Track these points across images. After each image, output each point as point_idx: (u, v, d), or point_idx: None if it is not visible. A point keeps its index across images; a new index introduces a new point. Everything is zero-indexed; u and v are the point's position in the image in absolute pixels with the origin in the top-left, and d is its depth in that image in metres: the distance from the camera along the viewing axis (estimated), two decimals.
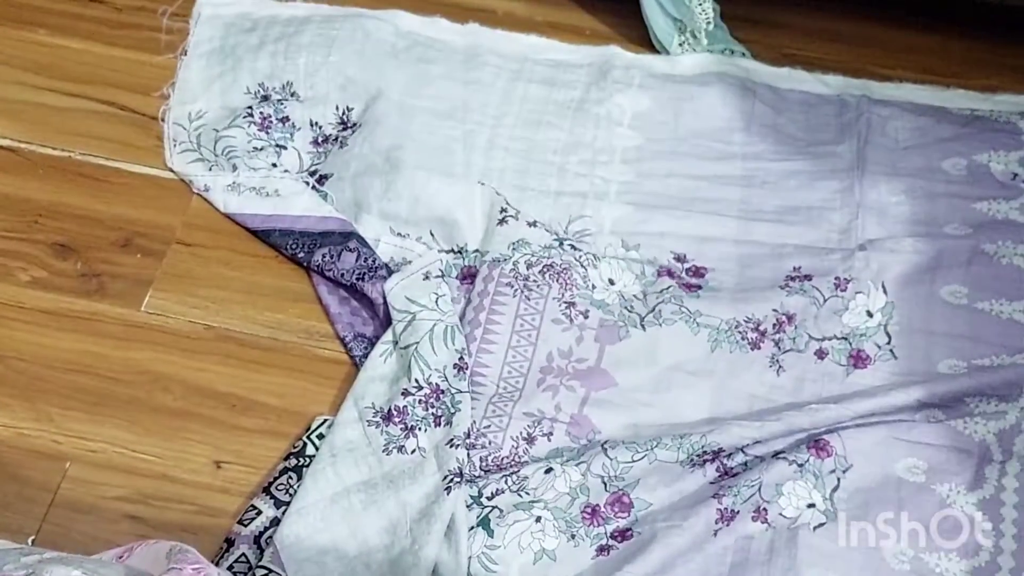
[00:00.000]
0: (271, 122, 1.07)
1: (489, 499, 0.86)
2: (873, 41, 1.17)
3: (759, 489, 0.85)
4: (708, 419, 0.91)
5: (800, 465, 0.86)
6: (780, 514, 0.84)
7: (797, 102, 1.11)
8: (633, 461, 0.87)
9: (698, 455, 0.87)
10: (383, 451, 0.87)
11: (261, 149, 1.05)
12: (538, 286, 0.97)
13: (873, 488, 0.86)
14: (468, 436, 0.88)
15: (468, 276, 0.99)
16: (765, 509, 0.84)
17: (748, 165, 1.06)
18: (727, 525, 0.83)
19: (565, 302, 0.96)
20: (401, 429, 0.88)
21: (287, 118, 1.07)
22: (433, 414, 0.89)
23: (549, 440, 0.89)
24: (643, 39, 1.16)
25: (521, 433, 0.90)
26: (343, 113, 1.08)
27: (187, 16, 1.15)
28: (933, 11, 1.18)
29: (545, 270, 0.98)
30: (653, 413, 0.91)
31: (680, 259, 1.00)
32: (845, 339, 0.95)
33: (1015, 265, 0.97)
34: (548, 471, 0.86)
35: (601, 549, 0.84)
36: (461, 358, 0.91)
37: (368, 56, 1.10)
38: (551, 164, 1.06)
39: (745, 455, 0.87)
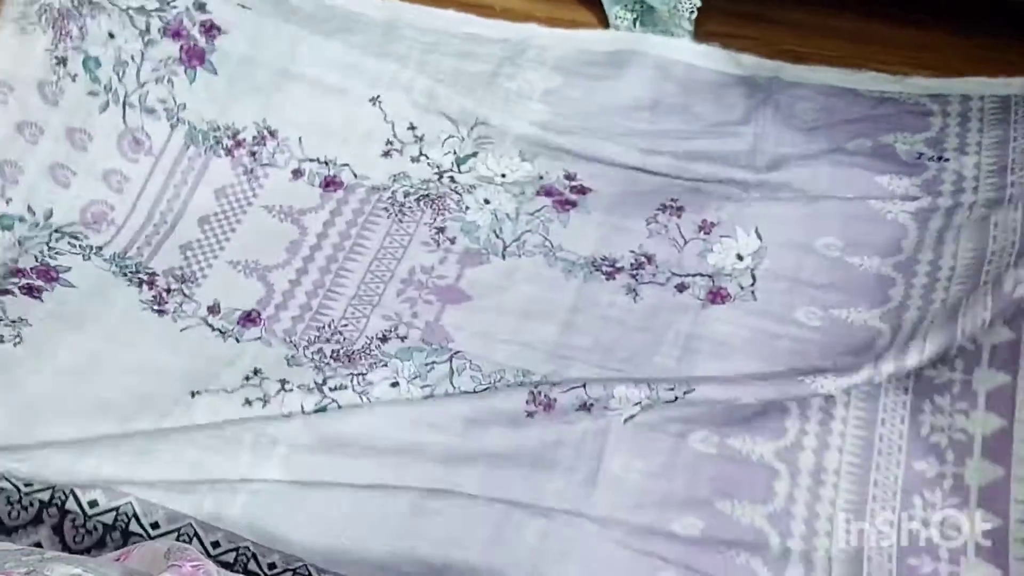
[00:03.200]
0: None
1: (332, 391, 0.88)
2: (874, 38, 1.17)
3: (584, 386, 0.88)
4: (555, 344, 0.92)
5: (636, 381, 0.88)
6: (604, 407, 0.87)
7: (708, 82, 1.11)
8: (475, 390, 0.89)
9: (537, 395, 0.88)
10: None
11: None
12: (411, 212, 1.01)
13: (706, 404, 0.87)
14: (324, 330, 0.93)
15: (331, 183, 1.02)
16: (591, 404, 0.87)
17: (654, 143, 1.07)
18: (546, 411, 0.87)
19: (436, 227, 1.01)
20: None
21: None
22: None
23: (403, 342, 0.93)
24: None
25: (377, 334, 0.93)
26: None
27: None
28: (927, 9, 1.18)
29: (420, 199, 1.02)
30: (504, 326, 0.94)
31: (569, 177, 1.04)
32: (709, 277, 0.97)
33: (898, 222, 0.98)
34: (394, 385, 0.89)
35: None
36: None
37: (282, 27, 1.07)
38: (457, 122, 1.07)
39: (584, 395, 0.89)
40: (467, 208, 1.02)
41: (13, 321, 0.90)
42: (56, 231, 0.96)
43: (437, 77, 1.08)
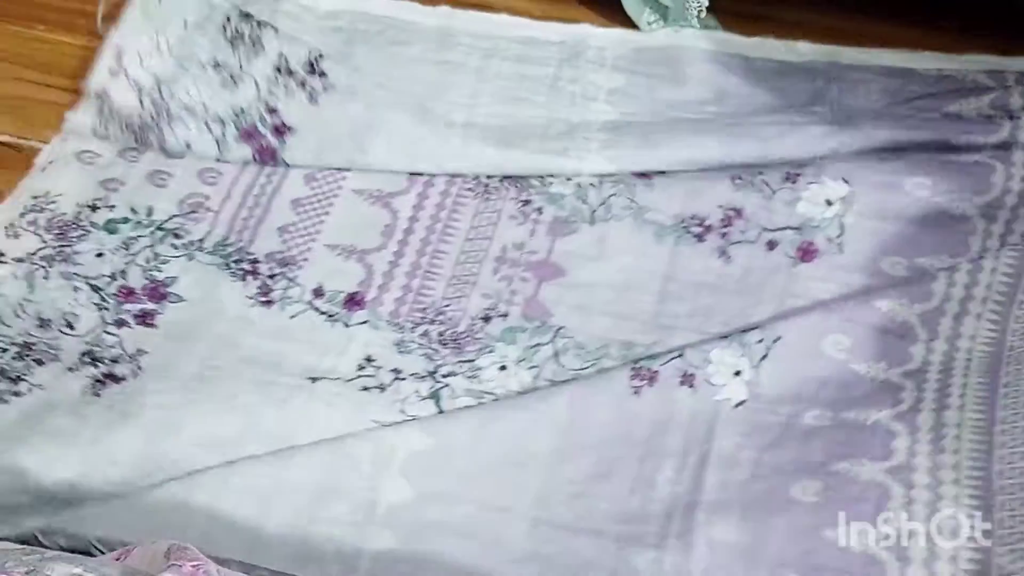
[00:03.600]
0: (242, 40, 1.07)
1: (444, 376, 0.91)
2: (878, 37, 1.17)
3: (682, 354, 0.90)
4: (654, 313, 0.94)
5: (726, 336, 0.91)
6: (707, 380, 0.89)
7: (769, 71, 1.12)
8: (582, 368, 0.91)
9: (640, 366, 0.90)
10: None
11: (219, 66, 1.05)
12: (496, 191, 1.03)
13: (797, 360, 0.89)
14: (428, 310, 0.96)
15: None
16: (692, 374, 0.89)
17: (726, 123, 1.07)
18: (650, 385, 0.88)
19: (521, 200, 1.02)
20: None
21: (259, 40, 1.07)
22: None
23: (504, 319, 0.95)
24: None
25: (479, 313, 0.95)
26: (315, 57, 1.07)
27: None
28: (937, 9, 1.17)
29: (504, 178, 1.04)
30: (602, 297, 0.96)
31: (643, 175, 1.04)
32: (798, 229, 0.98)
33: (985, 163, 1.00)
34: (503, 368, 0.91)
35: None
36: None
37: (343, 38, 1.13)
38: (532, 131, 1.08)
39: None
40: (550, 182, 1.03)
41: (132, 356, 0.92)
42: (159, 228, 1.00)
43: (497, 97, 1.10)
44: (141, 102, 1.04)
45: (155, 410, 0.88)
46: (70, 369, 0.92)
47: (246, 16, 1.09)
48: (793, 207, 0.99)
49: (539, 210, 1.02)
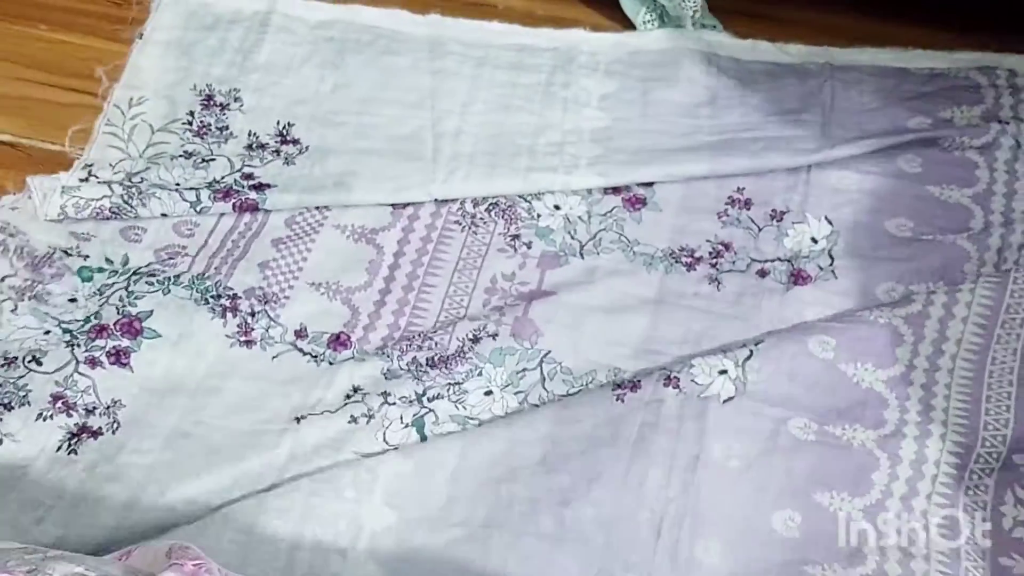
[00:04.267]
0: (209, 130, 1.07)
1: (429, 400, 0.90)
2: (871, 36, 1.17)
3: (664, 367, 0.91)
4: (645, 338, 0.94)
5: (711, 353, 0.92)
6: (692, 380, 0.89)
7: (761, 73, 1.12)
8: (568, 394, 0.91)
9: (625, 385, 0.90)
10: None
11: (191, 155, 1.04)
12: (484, 223, 1.02)
13: (783, 359, 0.90)
14: (415, 339, 0.94)
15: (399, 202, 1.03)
16: (677, 377, 0.89)
17: (716, 137, 1.07)
18: (633, 392, 0.89)
19: (510, 235, 1.02)
20: None
21: (227, 127, 1.07)
22: None
23: (494, 340, 0.94)
24: None
25: (468, 335, 0.94)
26: (283, 128, 1.08)
27: None
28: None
29: (491, 208, 1.03)
30: (592, 320, 0.96)
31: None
32: (788, 261, 0.99)
33: (961, 204, 1.01)
34: (488, 393, 0.91)
35: None
36: None
37: (328, 59, 1.12)
38: (520, 146, 1.07)
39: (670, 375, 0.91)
40: (539, 215, 1.03)
41: (108, 407, 0.89)
42: (134, 274, 0.97)
43: (491, 104, 1.09)
44: (111, 189, 1.00)
45: (136, 471, 0.85)
46: (41, 416, 0.87)
47: (209, 104, 1.08)
48: (780, 242, 1.00)
49: (528, 244, 1.01)
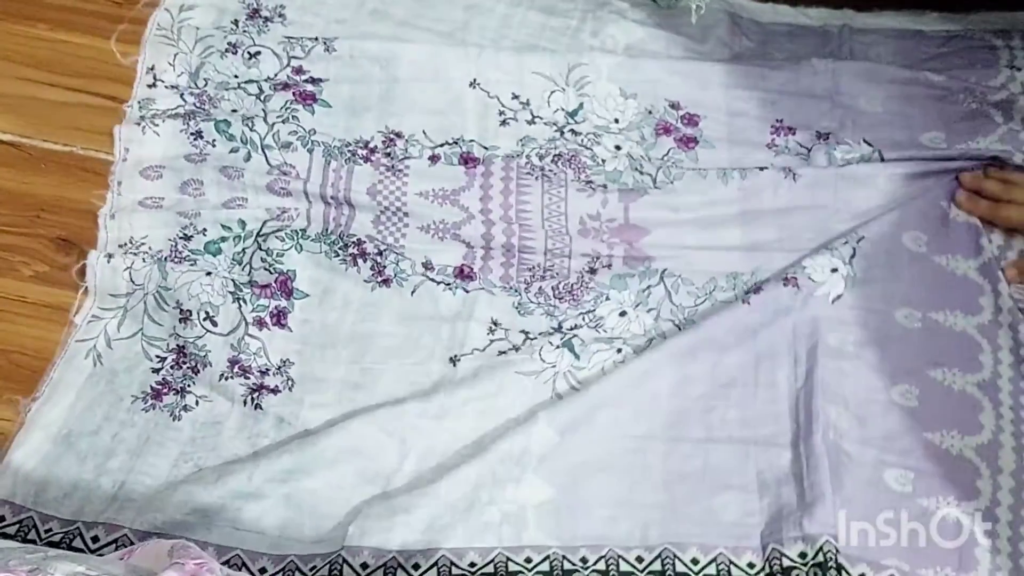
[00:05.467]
0: (250, 33, 1.13)
1: (569, 331, 0.96)
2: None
3: (783, 264, 0.99)
4: (745, 242, 1.01)
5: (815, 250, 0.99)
6: (809, 277, 0.96)
7: (782, 33, 1.16)
8: (696, 305, 0.98)
9: (750, 289, 0.98)
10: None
11: (236, 48, 1.11)
12: (554, 173, 1.06)
13: (883, 255, 0.98)
14: (535, 269, 1.00)
15: (469, 160, 1.07)
16: (794, 277, 0.96)
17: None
18: (756, 293, 0.96)
19: (583, 180, 1.05)
20: None
21: (268, 31, 1.13)
22: None
23: (609, 269, 1.00)
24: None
25: (584, 267, 1.00)
26: (324, 42, 1.13)
27: None
28: None
29: (556, 159, 1.06)
30: (693, 237, 1.01)
31: (675, 106, 1.09)
32: (845, 163, 1.04)
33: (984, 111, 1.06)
34: (623, 314, 0.97)
35: None
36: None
37: (375, 48, 1.14)
38: (553, 76, 1.12)
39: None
40: (603, 160, 1.06)
41: (279, 367, 0.94)
42: (259, 235, 1.00)
43: (519, 43, 1.13)
44: (183, 99, 1.08)
45: (310, 436, 0.90)
46: (223, 376, 0.93)
47: (254, 16, 1.14)
48: (831, 155, 1.04)
49: (604, 187, 1.05)
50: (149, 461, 0.89)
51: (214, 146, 1.06)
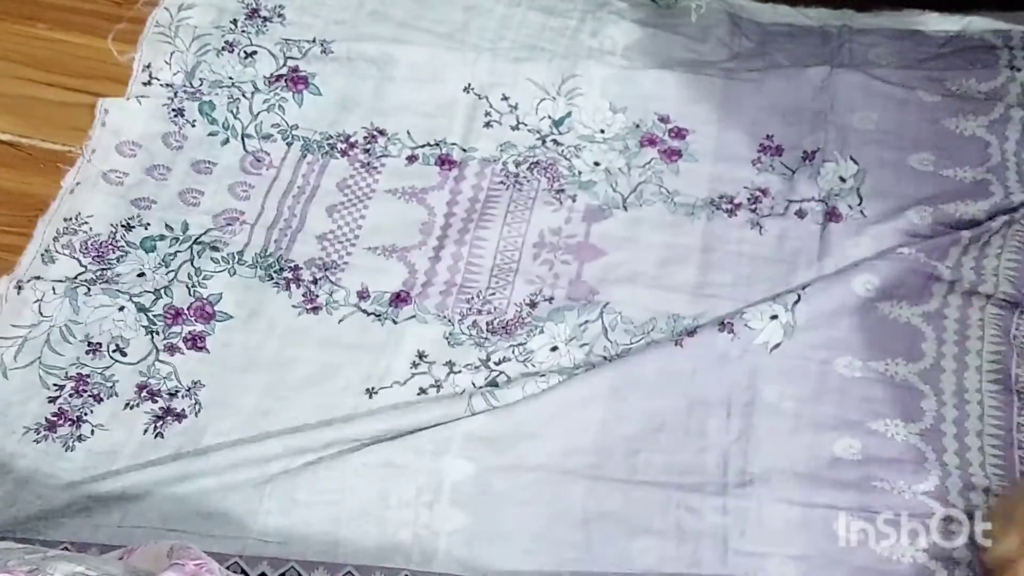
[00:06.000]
0: (249, 33, 1.14)
1: (496, 364, 0.94)
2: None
3: (723, 309, 0.96)
4: (697, 285, 0.98)
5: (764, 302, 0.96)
6: (746, 325, 0.93)
7: (781, 34, 1.16)
8: (631, 343, 0.95)
9: (688, 332, 0.95)
10: None
11: (233, 47, 1.12)
12: (527, 180, 1.05)
13: (830, 301, 0.95)
14: (473, 300, 0.98)
15: (445, 162, 1.07)
16: (731, 322, 0.93)
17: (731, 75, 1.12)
18: (690, 336, 0.93)
19: (554, 190, 1.04)
20: None
21: (266, 32, 1.14)
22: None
23: (550, 303, 0.98)
24: None
25: (524, 299, 0.98)
26: (320, 42, 1.14)
27: None
28: None
29: (532, 167, 1.06)
30: (644, 272, 0.99)
31: (664, 120, 1.08)
32: (823, 201, 1.02)
33: (977, 136, 1.05)
34: (554, 349, 0.93)
35: None
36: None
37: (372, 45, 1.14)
38: (545, 84, 1.11)
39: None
40: (579, 172, 1.06)
41: (189, 389, 0.93)
42: (196, 242, 1.00)
43: (517, 44, 1.13)
44: (175, 94, 1.08)
45: (219, 453, 0.89)
46: (128, 405, 0.92)
47: (253, 16, 1.15)
48: (815, 181, 1.03)
49: (572, 198, 1.04)
50: (36, 492, 0.86)
51: (193, 126, 1.07)
